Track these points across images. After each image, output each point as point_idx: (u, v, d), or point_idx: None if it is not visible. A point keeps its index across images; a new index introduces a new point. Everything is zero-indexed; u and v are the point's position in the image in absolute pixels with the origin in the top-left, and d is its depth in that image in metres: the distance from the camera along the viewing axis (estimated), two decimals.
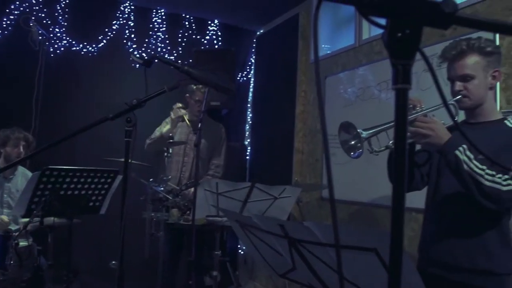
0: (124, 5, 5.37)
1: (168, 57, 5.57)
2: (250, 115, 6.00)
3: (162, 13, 5.60)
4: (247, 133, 5.98)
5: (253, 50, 6.06)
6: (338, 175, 4.18)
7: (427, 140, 1.88)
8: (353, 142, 1.84)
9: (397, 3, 0.63)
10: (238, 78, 5.91)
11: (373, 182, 3.68)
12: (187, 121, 4.07)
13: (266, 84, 5.68)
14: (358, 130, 1.82)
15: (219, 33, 5.90)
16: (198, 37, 5.77)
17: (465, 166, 1.80)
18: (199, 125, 2.79)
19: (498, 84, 2.81)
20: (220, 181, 3.17)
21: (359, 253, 1.02)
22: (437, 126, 1.88)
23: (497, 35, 2.87)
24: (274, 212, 3.31)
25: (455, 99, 2.01)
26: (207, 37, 5.84)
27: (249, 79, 6.07)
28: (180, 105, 3.93)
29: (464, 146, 1.83)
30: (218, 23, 5.89)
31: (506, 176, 1.79)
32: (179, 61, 5.57)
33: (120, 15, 5.35)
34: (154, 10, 5.57)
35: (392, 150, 2.05)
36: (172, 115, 3.93)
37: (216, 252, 3.55)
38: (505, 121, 2.01)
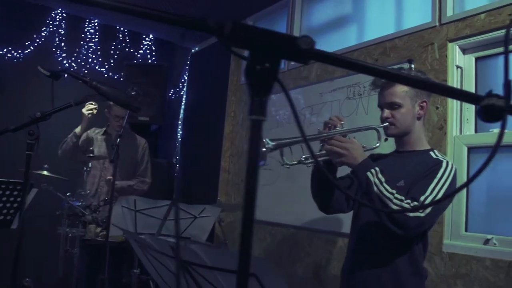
0: (56, 12, 5.22)
1: (99, 69, 5.46)
2: (181, 132, 5.97)
3: (95, 24, 5.50)
4: (176, 150, 5.93)
5: (187, 67, 6.06)
6: (262, 196, 4.21)
7: (341, 159, 1.91)
8: (262, 151, 1.86)
9: (257, 37, 0.66)
10: (170, 94, 5.88)
11: (296, 204, 3.74)
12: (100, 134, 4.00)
13: (197, 102, 5.69)
14: (264, 140, 1.85)
15: (154, 48, 5.86)
16: (132, 50, 5.70)
17: (375, 189, 1.82)
18: (117, 141, 2.74)
19: None
20: (139, 198, 3.12)
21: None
22: (353, 146, 1.91)
23: (412, 67, 3.03)
24: (194, 231, 3.29)
25: (382, 125, 2.06)
26: (141, 51, 5.79)
27: (181, 95, 6.04)
28: (93, 103, 3.81)
29: (377, 168, 1.87)
30: (152, 38, 5.85)
31: (415, 203, 1.80)
32: (110, 74, 5.48)
33: (51, 22, 5.19)
34: (87, 20, 5.46)
35: (313, 167, 2.08)
36: (84, 110, 3.81)
37: (134, 270, 3.48)
38: (430, 152, 2.06)
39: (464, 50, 2.90)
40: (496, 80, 2.82)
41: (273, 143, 1.85)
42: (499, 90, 2.50)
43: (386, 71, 0.75)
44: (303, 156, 1.96)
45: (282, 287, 0.98)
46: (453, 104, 2.82)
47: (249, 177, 0.66)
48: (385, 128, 2.05)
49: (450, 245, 2.71)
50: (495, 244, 2.56)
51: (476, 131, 2.81)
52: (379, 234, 1.94)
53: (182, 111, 6.00)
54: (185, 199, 5.45)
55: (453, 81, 2.84)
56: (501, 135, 0.64)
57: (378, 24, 3.60)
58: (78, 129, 3.86)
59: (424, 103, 2.06)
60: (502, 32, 2.67)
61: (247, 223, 0.66)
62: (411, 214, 1.78)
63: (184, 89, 6.04)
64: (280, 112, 4.28)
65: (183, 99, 6.01)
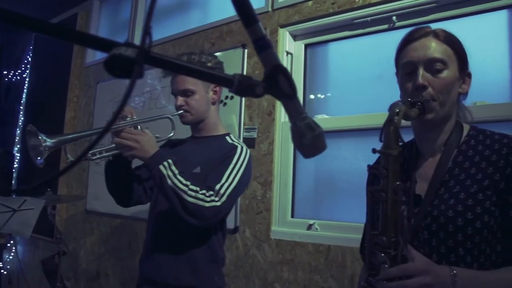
0: None
1: None
2: (22, 118, 5.45)
3: None
4: (18, 138, 5.40)
5: (31, 47, 5.54)
6: (103, 187, 3.97)
7: (132, 152, 1.78)
8: (40, 148, 1.68)
9: None
10: (10, 76, 5.33)
11: None
12: None
13: (40, 86, 5.22)
14: (40, 137, 1.67)
15: None
16: None
17: (169, 181, 1.74)
18: None
19: (243, 101, 2.92)
20: None
21: None
22: (143, 138, 1.79)
23: (245, 51, 2.98)
24: (17, 225, 3.00)
25: (177, 113, 1.99)
26: None
27: (24, 78, 5.51)
28: None
29: (170, 160, 1.78)
30: None
31: (211, 192, 1.76)
32: None
33: None
34: None
35: (106, 162, 1.93)
36: None
37: None
38: (226, 137, 2.03)
39: (295, 37, 2.90)
40: (326, 66, 2.86)
41: (52, 141, 1.68)
42: (328, 76, 2.46)
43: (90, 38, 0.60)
44: (90, 152, 1.81)
45: None
46: None
47: None
48: (180, 116, 1.99)
49: (277, 232, 2.71)
50: (317, 229, 2.59)
51: None
52: (176, 224, 1.88)
53: (24, 96, 5.48)
54: (24, 191, 5.00)
55: None
56: (130, 88, 0.52)
57: (220, 7, 3.51)
58: None
59: (217, 88, 2.05)
60: (327, 20, 2.71)
61: None
62: (207, 204, 1.74)
63: (27, 71, 5.51)
64: (136, 99, 4.04)
65: (26, 82, 5.49)
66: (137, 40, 2.77)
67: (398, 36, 2.54)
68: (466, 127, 1.32)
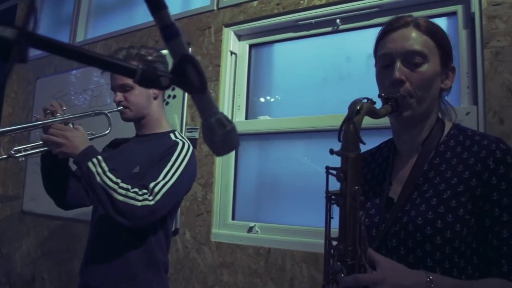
0: None
1: None
2: None
3: None
4: None
5: None
6: (41, 188, 3.80)
7: (61, 149, 1.69)
8: None
9: None
10: None
11: None
12: None
13: None
14: None
15: None
16: None
17: (98, 179, 1.65)
18: None
19: (186, 100, 2.85)
20: None
21: None
22: (73, 134, 1.71)
23: (189, 50, 2.91)
24: None
25: (115, 109, 1.91)
26: None
27: None
28: None
29: (99, 157, 1.69)
30: None
31: (144, 191, 1.67)
32: None
33: None
34: None
35: (41, 160, 1.84)
36: None
37: None
38: (170, 134, 1.94)
39: (240, 36, 2.87)
40: (270, 67, 2.84)
41: None
42: (272, 77, 2.42)
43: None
44: (14, 149, 1.73)
45: None
46: (225, 91, 2.77)
47: None
48: (120, 112, 1.90)
49: (217, 234, 2.65)
50: (257, 231, 2.56)
51: (246, 118, 2.80)
52: (113, 226, 1.76)
53: None
54: None
55: (226, 66, 2.78)
56: (8, 74, 0.47)
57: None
58: None
59: None
60: (271, 20, 2.68)
61: None
62: (139, 203, 1.64)
63: None
64: (80, 96, 3.88)
65: None
66: (80, 36, 2.66)
67: (341, 39, 2.59)
68: (448, 126, 1.22)
